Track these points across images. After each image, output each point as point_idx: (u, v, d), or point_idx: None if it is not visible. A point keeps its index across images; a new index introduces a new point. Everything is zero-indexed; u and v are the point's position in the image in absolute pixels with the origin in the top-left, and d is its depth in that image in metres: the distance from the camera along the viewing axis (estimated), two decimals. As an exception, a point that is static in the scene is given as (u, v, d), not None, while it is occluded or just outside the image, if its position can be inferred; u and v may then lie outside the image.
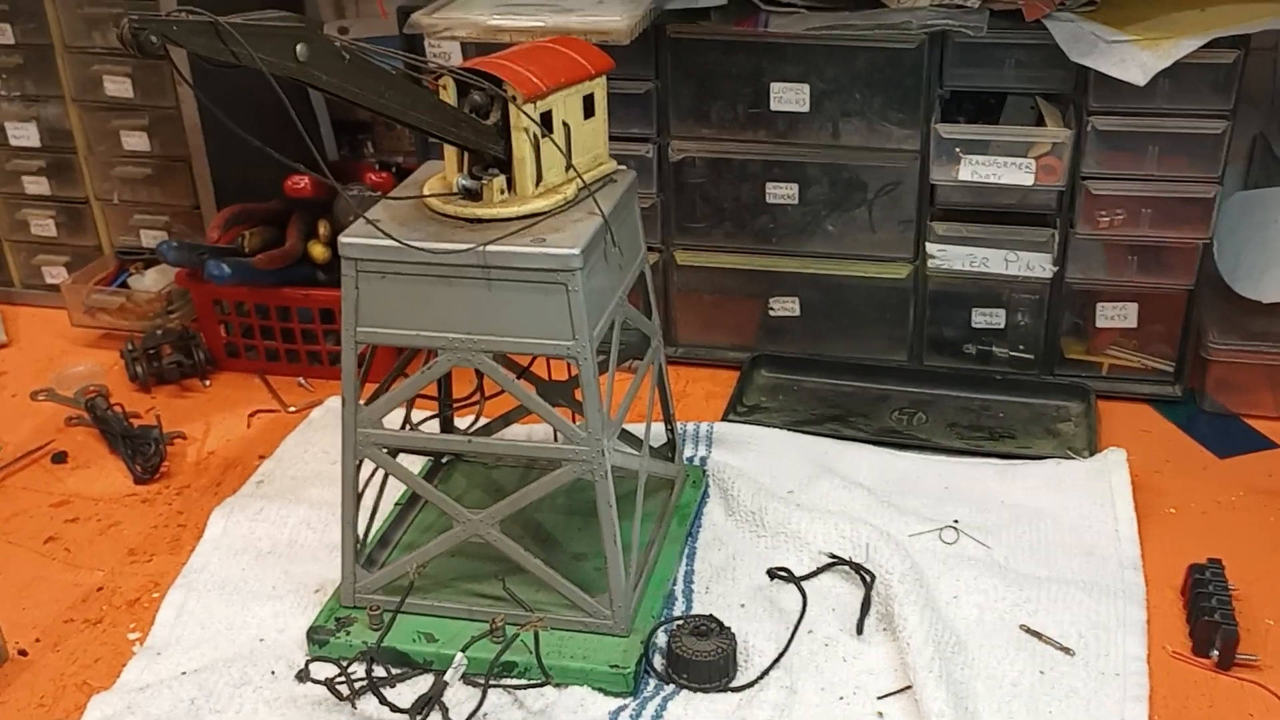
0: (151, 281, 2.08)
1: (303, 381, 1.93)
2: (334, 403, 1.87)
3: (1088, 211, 1.62)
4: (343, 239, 1.25)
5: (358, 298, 1.27)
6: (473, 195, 1.28)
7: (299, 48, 1.10)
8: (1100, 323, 1.75)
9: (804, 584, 1.44)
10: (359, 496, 1.37)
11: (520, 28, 1.61)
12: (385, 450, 1.33)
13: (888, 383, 1.82)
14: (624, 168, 1.40)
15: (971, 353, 1.83)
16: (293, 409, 1.87)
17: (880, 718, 1.26)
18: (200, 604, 1.45)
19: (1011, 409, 1.76)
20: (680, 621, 1.34)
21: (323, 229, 1.86)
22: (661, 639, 1.35)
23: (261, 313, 1.91)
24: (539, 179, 1.28)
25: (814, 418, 1.76)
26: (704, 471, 1.63)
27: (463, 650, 1.26)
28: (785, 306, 1.86)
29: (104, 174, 2.10)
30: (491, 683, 1.26)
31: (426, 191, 1.31)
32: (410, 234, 1.24)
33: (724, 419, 1.76)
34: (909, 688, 1.29)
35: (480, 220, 1.26)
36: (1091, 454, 1.63)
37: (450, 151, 1.31)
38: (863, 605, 1.37)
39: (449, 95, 1.26)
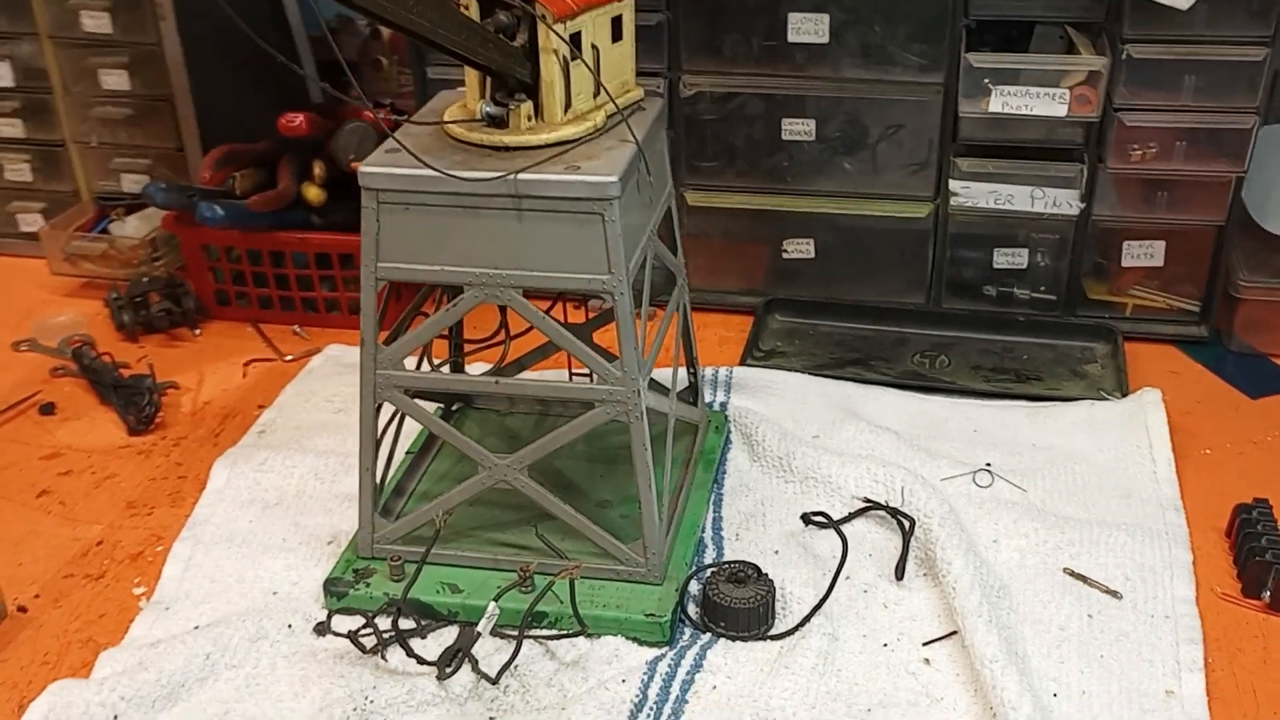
0: (134, 228, 1.99)
1: (298, 330, 1.85)
2: (333, 350, 1.80)
3: (1120, 145, 1.58)
4: (363, 168, 1.18)
5: (378, 231, 1.19)
6: (497, 122, 1.21)
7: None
8: (1126, 262, 1.71)
9: (831, 529, 1.39)
10: (378, 442, 1.30)
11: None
12: (405, 392, 1.26)
13: (906, 326, 1.77)
14: (653, 94, 1.33)
15: (992, 294, 1.78)
16: (289, 358, 1.80)
17: (928, 664, 1.22)
18: (208, 557, 1.39)
19: (1035, 351, 1.72)
20: (715, 568, 1.30)
21: (318, 170, 1.77)
22: (695, 587, 1.30)
23: (253, 258, 1.83)
24: (568, 105, 1.21)
25: (833, 361, 1.71)
26: (725, 417, 1.57)
27: (494, 600, 1.20)
28: (799, 248, 1.80)
29: (82, 115, 1.99)
30: (526, 634, 1.21)
31: (446, 119, 1.24)
32: (435, 163, 1.17)
33: (741, 364, 1.70)
34: (954, 633, 1.25)
35: (508, 148, 1.19)
36: (1123, 395, 1.59)
37: (472, 76, 1.23)
38: (903, 550, 1.33)
39: (472, 15, 1.18)
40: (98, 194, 2.05)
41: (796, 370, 1.67)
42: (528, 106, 1.20)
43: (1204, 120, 1.55)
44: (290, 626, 1.27)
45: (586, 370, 1.23)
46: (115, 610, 1.32)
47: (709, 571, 1.30)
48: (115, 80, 1.94)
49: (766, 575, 1.28)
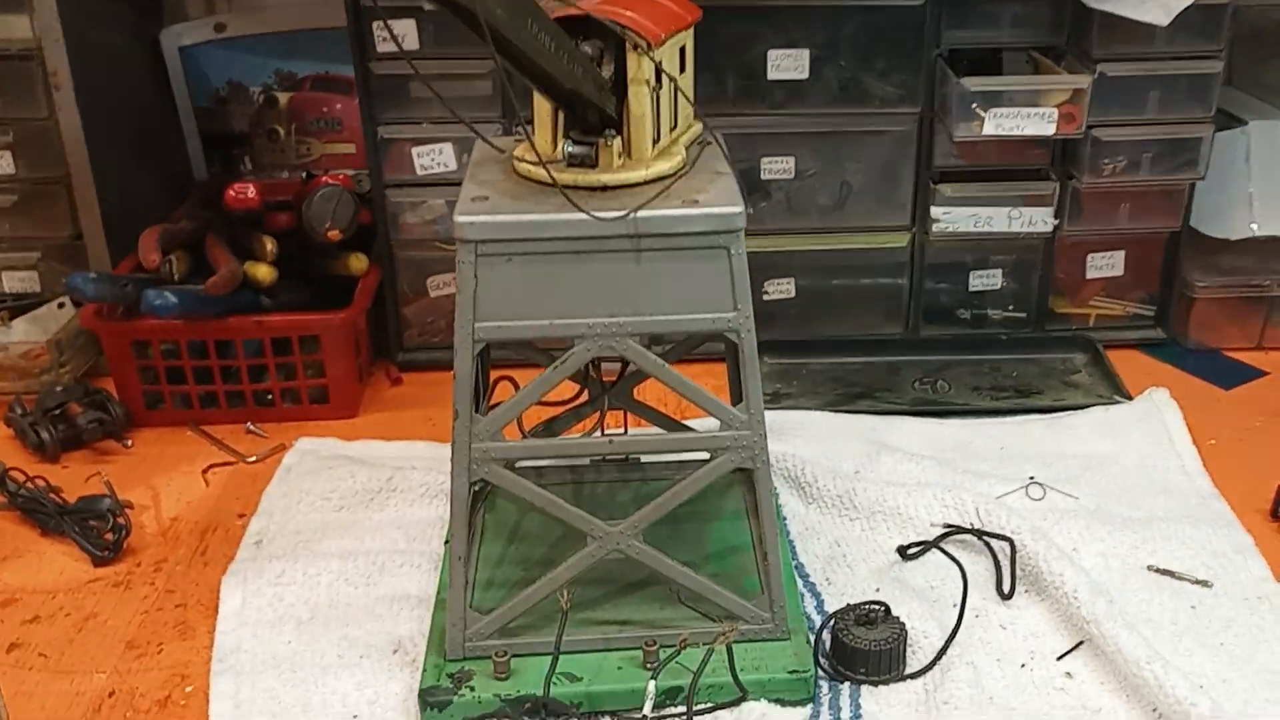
0: (24, 332, 1.73)
1: (252, 427, 1.65)
2: (306, 444, 1.61)
3: (1093, 160, 1.65)
4: (460, 218, 1.06)
5: (476, 287, 1.07)
6: (583, 162, 1.13)
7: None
8: (1090, 274, 1.79)
9: (919, 559, 1.36)
10: (471, 528, 1.16)
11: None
12: (505, 466, 1.13)
13: (895, 355, 1.78)
14: (710, 127, 1.28)
15: (966, 317, 1.82)
16: (252, 459, 1.59)
17: (1070, 678, 1.20)
18: (258, 689, 1.19)
19: (1021, 367, 1.76)
20: (841, 613, 1.23)
21: (269, 246, 1.60)
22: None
23: (196, 351, 1.62)
24: (656, 138, 1.14)
25: (841, 398, 1.69)
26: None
27: (653, 679, 1.08)
28: (780, 289, 1.78)
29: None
30: (695, 709, 1.10)
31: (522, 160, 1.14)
32: (534, 209, 1.07)
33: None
34: (1081, 644, 1.23)
35: (606, 188, 1.10)
36: (1126, 398, 1.65)
37: (544, 113, 1.14)
38: (1011, 569, 1.31)
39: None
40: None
41: (812, 409, 1.64)
42: (618, 143, 1.12)
43: (1167, 131, 1.65)
44: (394, 750, 1.11)
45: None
46: (166, 768, 1.11)
47: (834, 618, 1.23)
48: (-2, 163, 1.70)
49: (894, 614, 1.23)
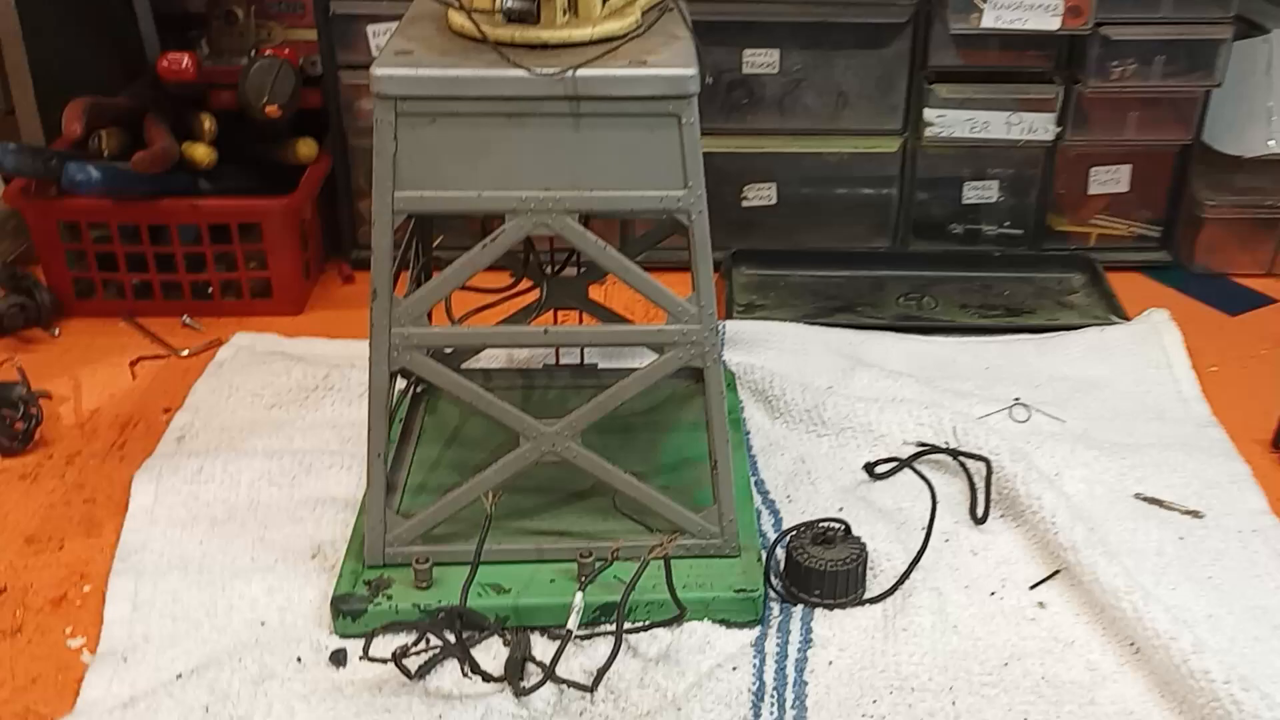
0: (-51, 213, 1.62)
1: (188, 320, 1.55)
2: (242, 339, 1.51)
3: (1100, 62, 1.52)
4: (378, 71, 0.94)
5: (396, 151, 0.96)
6: (522, 18, 1.01)
7: None
8: (1093, 189, 1.67)
9: (888, 479, 1.26)
10: (391, 422, 1.06)
11: None
12: (427, 354, 1.03)
13: (880, 269, 1.67)
14: (676, -4, 1.16)
15: (958, 232, 1.71)
16: (185, 353, 1.49)
17: (1043, 608, 1.10)
18: (159, 591, 1.10)
19: (1014, 286, 1.65)
20: (796, 531, 1.13)
21: (207, 124, 1.48)
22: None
23: (128, 236, 1.51)
24: (606, -3, 1.03)
25: (819, 310, 1.57)
26: (733, 374, 1.41)
27: (580, 590, 0.99)
28: (761, 195, 1.66)
29: None
30: (626, 627, 1.00)
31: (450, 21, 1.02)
32: (462, 64, 0.95)
33: (728, 318, 1.54)
34: (1058, 572, 1.14)
35: (547, 46, 0.98)
36: (1126, 319, 1.54)
37: (483, -34, 1.02)
38: (986, 492, 1.21)
39: (490, -112, 0.98)
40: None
41: (787, 321, 1.53)
42: (563, -2, 1.01)
43: (1182, 33, 1.52)
44: (300, 660, 1.02)
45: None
46: (52, 671, 1.02)
47: (789, 535, 1.13)
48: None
49: (855, 534, 1.13)
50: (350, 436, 1.32)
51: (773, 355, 1.46)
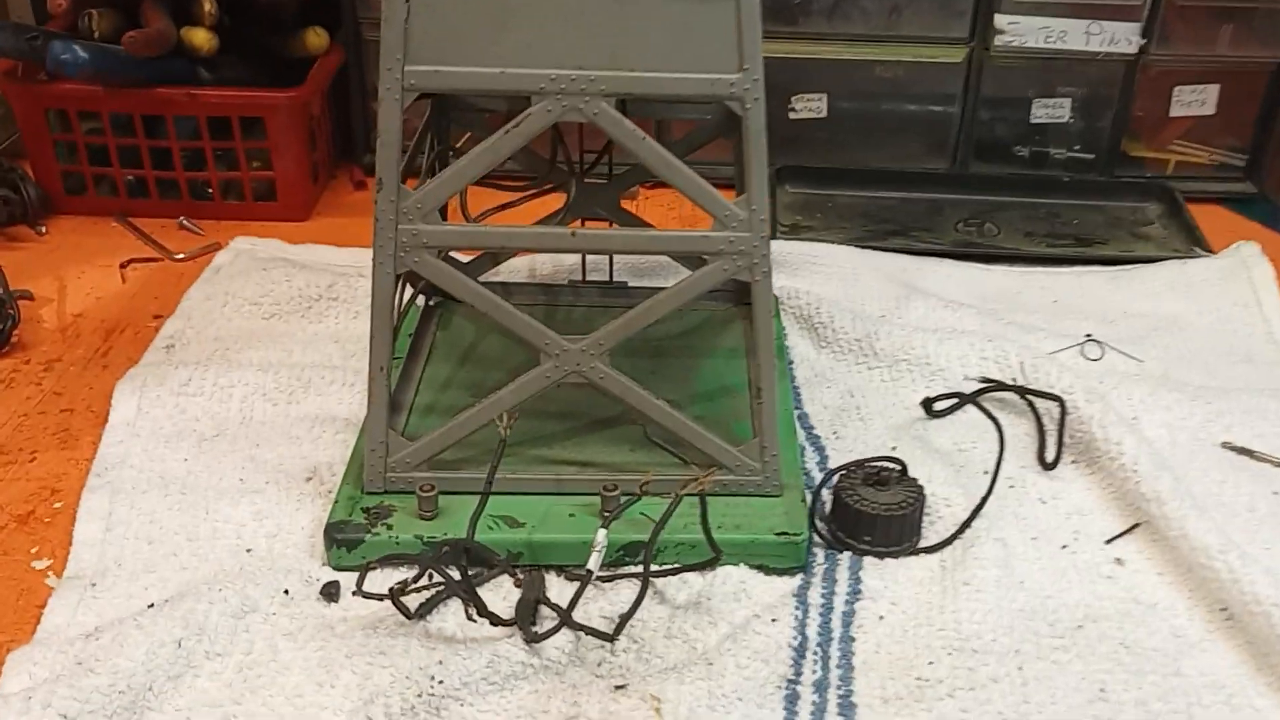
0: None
1: (185, 221, 1.43)
2: (242, 244, 1.39)
3: (1197, -37, 1.38)
4: (387, -82, 0.82)
5: (409, 17, 0.83)
6: None
7: None
8: (1175, 110, 1.52)
9: (947, 416, 1.14)
10: (396, 330, 0.94)
11: None
12: (440, 255, 0.91)
13: (937, 192, 1.53)
14: None
15: (1024, 155, 1.56)
16: (180, 256, 1.38)
17: (1121, 565, 0.98)
18: (136, 511, 0.99)
19: (1084, 214, 1.51)
20: (846, 470, 1.01)
21: (208, 7, 1.35)
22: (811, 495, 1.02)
23: (121, 127, 1.39)
24: None
25: (870, 234, 1.44)
26: (776, 299, 1.29)
27: (603, 527, 0.88)
28: (810, 106, 1.53)
29: None
30: (660, 568, 0.89)
31: None
32: (487, -85, 0.82)
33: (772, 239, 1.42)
34: (1137, 526, 1.02)
35: (585, -101, 0.86)
36: (1210, 252, 1.40)
37: None
38: (1058, 434, 1.08)
39: None
40: None
41: (836, 244, 1.40)
42: None
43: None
44: (287, 593, 0.91)
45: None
46: (12, 594, 0.91)
47: (838, 474, 1.01)
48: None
49: (910, 475, 1.01)
50: (355, 351, 1.20)
51: (820, 280, 1.33)
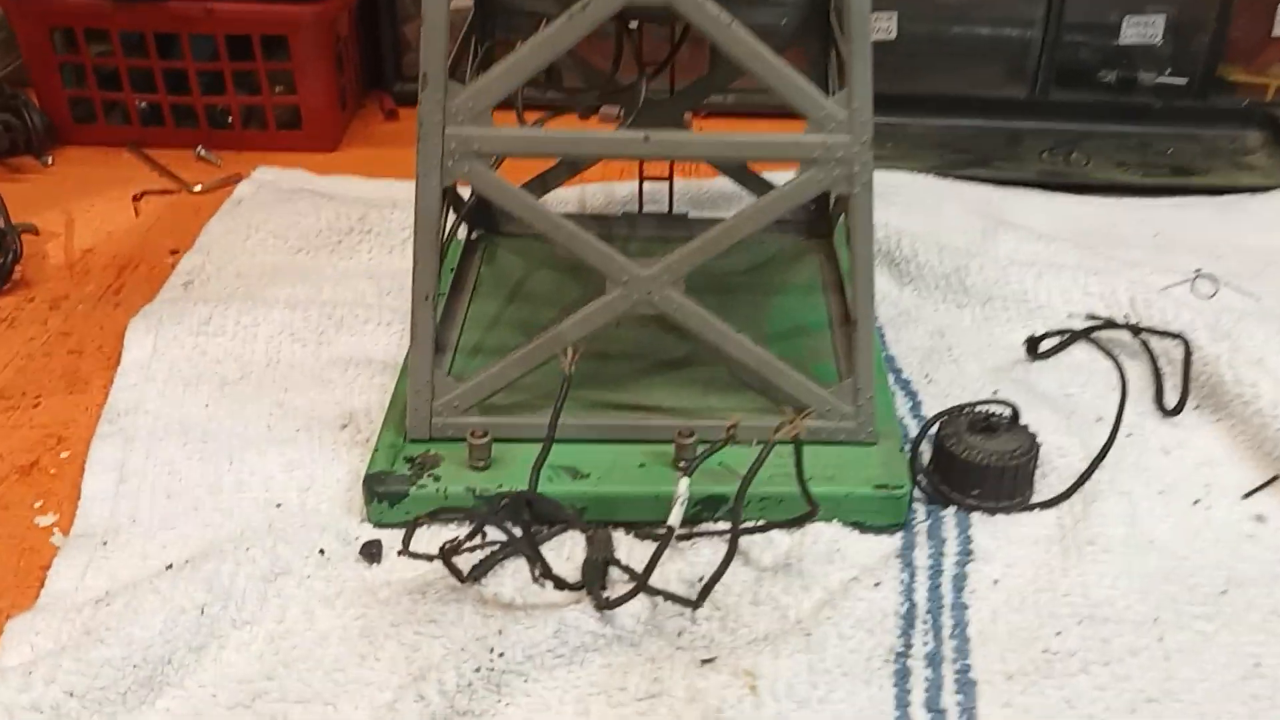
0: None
1: (203, 152, 1.32)
2: (265, 174, 1.28)
3: None
4: None
5: (459, -119, 0.72)
6: None
7: None
8: (1278, 31, 1.39)
9: (1052, 357, 1.02)
10: (443, 252, 0.83)
11: None
12: (492, 164, 0.80)
13: (1016, 120, 1.41)
14: None
15: (1110, 81, 1.44)
16: (198, 188, 1.27)
17: (1262, 523, 0.87)
18: (153, 461, 0.89)
19: (1179, 144, 1.39)
20: (949, 416, 0.90)
21: (225, -87, 1.24)
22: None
23: (133, 48, 1.28)
24: None
25: (947, 163, 1.32)
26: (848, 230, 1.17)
27: (687, 475, 0.77)
28: (878, 26, 1.40)
29: None
30: (745, 525, 0.78)
31: None
32: None
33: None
34: (1277, 478, 0.90)
35: None
36: (1328, 181, 1.28)
37: None
38: (1183, 376, 0.97)
39: None
40: None
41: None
42: None
43: None
44: (322, 553, 0.80)
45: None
46: (13, 554, 0.81)
47: (940, 420, 0.90)
48: None
49: (1021, 421, 0.90)
50: (390, 289, 1.09)
51: (898, 211, 1.21)
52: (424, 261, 0.82)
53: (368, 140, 1.39)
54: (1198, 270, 1.14)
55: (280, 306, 1.05)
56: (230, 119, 1.33)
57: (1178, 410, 0.95)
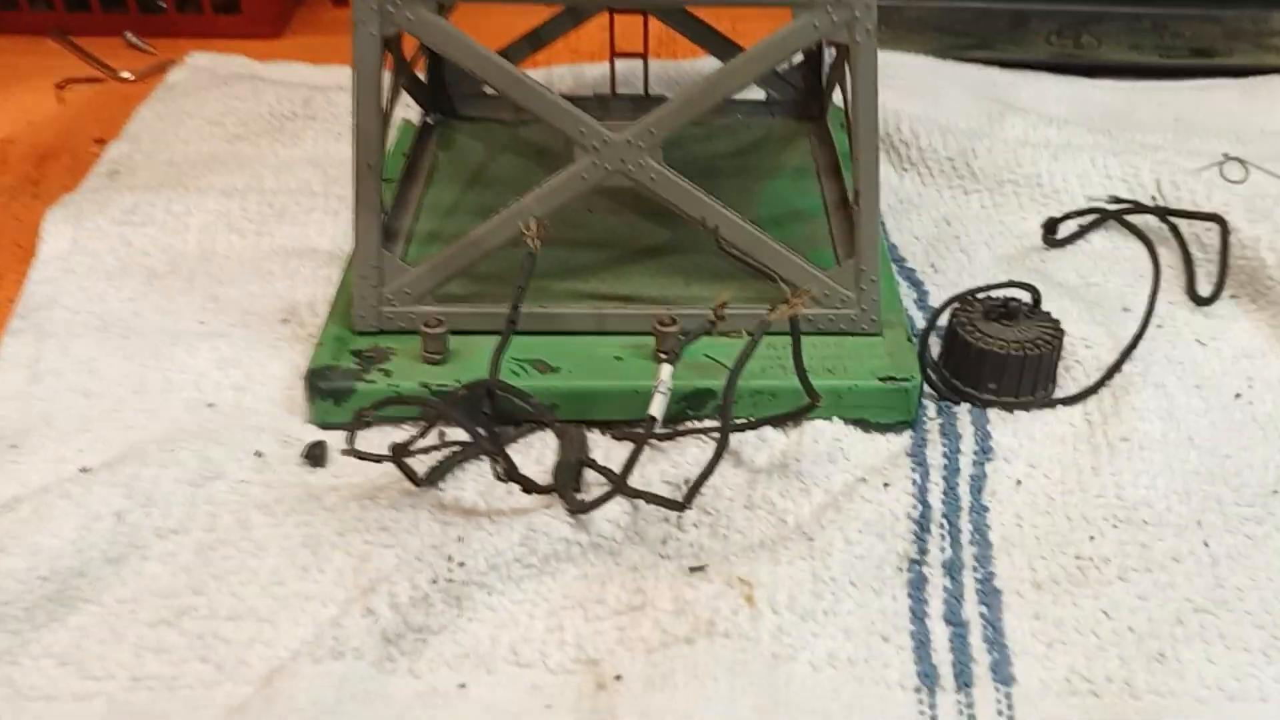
0: None
1: (133, 38, 1.20)
2: (200, 60, 1.16)
3: None
4: None
5: None
6: None
7: None
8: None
9: (1066, 248, 0.93)
10: (385, 120, 0.73)
11: None
12: (439, 11, 0.69)
13: (1019, 1, 1.30)
14: None
15: (1121, -41, 1.34)
16: (127, 75, 1.15)
17: (1309, 418, 0.79)
18: (69, 357, 0.79)
19: (1197, 26, 1.28)
20: (961, 302, 0.81)
21: None
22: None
23: (52, -79, 1.16)
24: None
25: (946, 47, 1.22)
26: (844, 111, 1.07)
27: (668, 360, 0.67)
28: (873, -102, 1.29)
29: None
30: (735, 422, 0.69)
31: None
32: None
33: (833, 49, 1.20)
34: (1322, 372, 0.82)
35: None
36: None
37: None
38: (1221, 261, 0.88)
39: None
40: None
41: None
42: None
43: None
44: (259, 455, 0.71)
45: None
46: (-92, 459, 0.72)
47: (951, 306, 0.81)
48: None
49: (1043, 307, 0.81)
50: (337, 177, 0.99)
51: (895, 94, 1.11)
52: (365, 123, 0.71)
53: (314, 27, 1.28)
54: (1225, 154, 1.05)
55: (216, 195, 0.94)
56: (163, 3, 1.21)
57: (1213, 299, 0.87)
